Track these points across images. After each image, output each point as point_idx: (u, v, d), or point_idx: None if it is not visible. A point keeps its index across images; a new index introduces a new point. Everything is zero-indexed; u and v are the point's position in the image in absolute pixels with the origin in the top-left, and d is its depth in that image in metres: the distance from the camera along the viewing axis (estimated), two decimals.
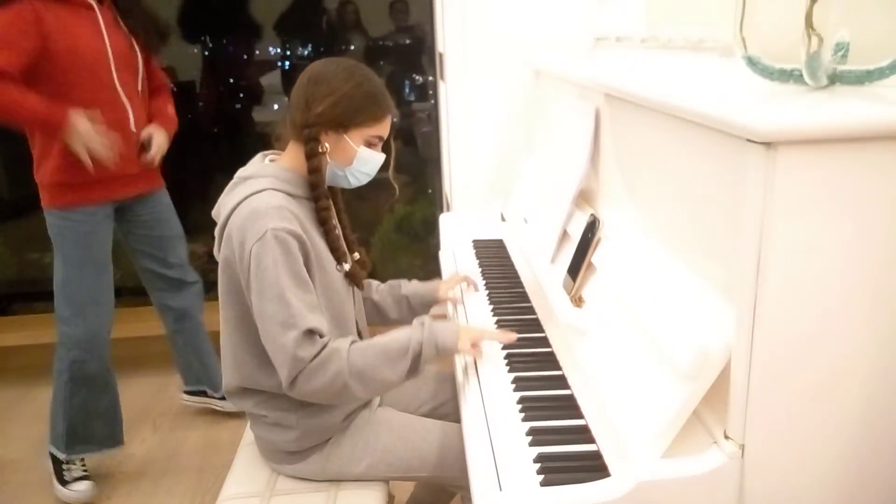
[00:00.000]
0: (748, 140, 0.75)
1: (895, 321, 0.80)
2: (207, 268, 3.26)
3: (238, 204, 1.24)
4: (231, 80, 3.53)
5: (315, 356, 1.19)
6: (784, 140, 0.73)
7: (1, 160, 3.22)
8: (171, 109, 2.16)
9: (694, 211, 0.94)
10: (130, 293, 3.03)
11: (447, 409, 1.53)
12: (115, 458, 2.26)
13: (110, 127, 1.87)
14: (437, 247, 2.15)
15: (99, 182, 1.92)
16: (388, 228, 3.15)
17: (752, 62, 0.98)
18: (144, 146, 2.02)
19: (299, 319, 1.18)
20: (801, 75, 0.91)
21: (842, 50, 0.96)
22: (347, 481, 1.36)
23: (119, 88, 1.92)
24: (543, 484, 0.94)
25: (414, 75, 3.42)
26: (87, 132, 1.80)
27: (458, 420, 1.26)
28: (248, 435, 1.50)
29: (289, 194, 1.27)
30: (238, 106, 3.55)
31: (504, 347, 1.32)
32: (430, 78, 3.27)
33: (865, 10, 0.95)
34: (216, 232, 1.30)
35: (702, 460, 0.85)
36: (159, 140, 2.04)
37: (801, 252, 0.77)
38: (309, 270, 1.25)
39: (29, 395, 2.71)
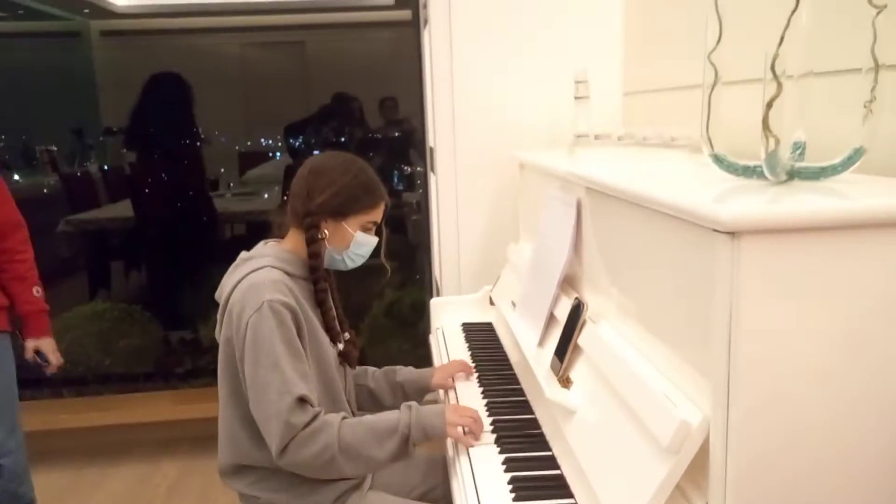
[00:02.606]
0: (714, 230, 0.83)
1: (861, 394, 0.86)
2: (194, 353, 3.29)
3: (239, 281, 1.31)
4: (222, 171, 3.66)
5: (307, 424, 1.23)
6: (747, 230, 0.80)
7: None
8: (34, 276, 1.94)
9: (670, 295, 1.01)
10: (117, 380, 3.04)
11: (438, 494, 1.54)
12: None
13: None
14: (426, 331, 2.20)
15: None
16: (378, 313, 3.20)
17: (718, 159, 1.07)
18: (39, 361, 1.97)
19: (293, 387, 1.23)
20: (763, 171, 1.00)
21: (799, 149, 1.06)
22: None
23: None
24: None
25: (403, 166, 3.57)
26: None
27: (449, 503, 1.28)
28: None
29: (286, 272, 1.35)
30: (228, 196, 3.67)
31: (494, 430, 1.35)
32: (419, 168, 3.41)
33: (817, 113, 1.05)
34: (219, 313, 1.36)
35: None
36: (50, 351, 1.97)
37: (768, 332, 0.83)
38: (302, 342, 1.30)
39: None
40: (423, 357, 1.89)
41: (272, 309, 1.26)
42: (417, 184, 3.44)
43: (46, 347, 1.97)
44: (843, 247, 0.83)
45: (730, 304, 0.83)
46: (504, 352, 1.77)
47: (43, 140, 3.78)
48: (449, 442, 1.35)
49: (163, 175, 3.48)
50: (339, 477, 1.33)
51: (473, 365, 1.69)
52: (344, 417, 1.28)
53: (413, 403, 1.33)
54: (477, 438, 1.32)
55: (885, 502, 0.89)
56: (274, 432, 1.23)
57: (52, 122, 3.66)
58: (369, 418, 1.30)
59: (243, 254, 1.43)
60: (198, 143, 3.50)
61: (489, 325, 1.98)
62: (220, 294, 1.38)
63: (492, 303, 2.04)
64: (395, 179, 3.58)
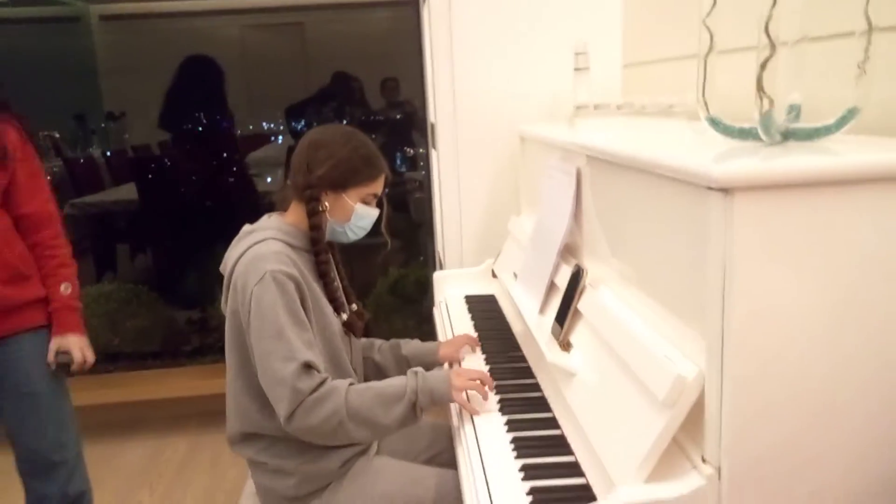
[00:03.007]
0: (708, 188, 0.85)
1: (851, 349, 0.88)
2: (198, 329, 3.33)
3: (242, 254, 1.34)
4: (226, 155, 3.67)
5: (314, 390, 1.25)
6: (739, 186, 0.82)
7: None
8: (65, 272, 1.76)
9: (667, 256, 1.03)
10: (127, 358, 3.09)
11: (444, 459, 1.57)
12: None
13: None
14: (430, 307, 2.23)
15: None
16: (383, 291, 3.23)
17: (713, 122, 1.09)
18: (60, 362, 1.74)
19: (298, 353, 1.25)
20: (758, 133, 1.02)
21: (794, 111, 1.07)
22: None
23: None
24: None
25: (405, 147, 3.59)
26: None
27: (454, 468, 1.31)
28: (249, 487, 1.54)
29: (289, 244, 1.37)
30: (232, 179, 3.68)
31: (497, 392, 1.38)
32: (421, 150, 3.43)
33: (811, 75, 1.06)
34: (224, 285, 1.38)
35: (681, 484, 0.91)
36: (76, 348, 1.74)
37: (761, 288, 0.85)
38: (306, 312, 1.33)
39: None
40: (427, 333, 1.92)
41: (275, 279, 1.28)
42: (420, 164, 3.46)
43: (71, 345, 1.75)
44: (836, 203, 0.85)
45: (723, 260, 0.85)
46: (506, 322, 1.80)
47: (45, 126, 3.80)
48: (453, 410, 1.37)
49: (189, 158, 3.47)
50: (348, 442, 1.36)
51: (477, 335, 1.72)
52: (351, 383, 1.31)
53: (419, 369, 1.36)
54: (485, 397, 1.35)
55: (878, 458, 0.92)
56: (281, 398, 1.26)
57: (54, 107, 3.67)
58: (376, 384, 1.33)
59: (246, 227, 1.45)
60: (211, 128, 3.50)
61: (492, 296, 2.00)
62: (224, 267, 1.41)
63: (494, 275, 2.07)
64: (399, 161, 3.60)
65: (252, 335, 1.29)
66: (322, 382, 1.27)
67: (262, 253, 1.32)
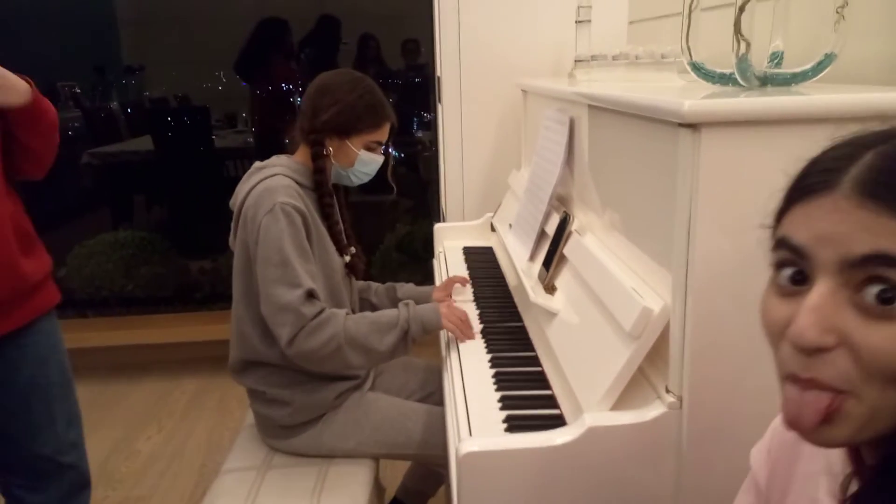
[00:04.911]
0: (679, 124, 0.88)
1: None
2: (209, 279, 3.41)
3: (253, 187, 1.38)
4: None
5: (316, 315, 1.31)
6: (706, 121, 0.85)
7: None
8: None
9: (644, 197, 1.06)
10: (140, 303, 3.18)
11: (435, 399, 1.63)
12: (120, 455, 2.36)
13: None
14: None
15: None
16: (390, 247, 3.28)
17: (696, 67, 1.11)
18: None
19: (302, 281, 1.31)
20: (737, 79, 1.04)
21: (777, 58, 1.09)
22: (338, 457, 1.46)
23: None
24: (508, 431, 1.05)
25: (420, 110, 3.60)
26: None
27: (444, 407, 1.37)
28: (249, 417, 1.61)
29: (297, 182, 1.41)
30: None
31: (484, 333, 1.43)
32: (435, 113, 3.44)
33: (792, 21, 1.08)
34: (233, 220, 1.44)
35: (643, 411, 0.96)
36: None
37: (724, 223, 0.88)
38: (310, 246, 1.38)
39: None
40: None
41: (283, 211, 1.33)
42: (432, 125, 3.48)
43: None
44: (802, 141, 0.87)
45: (690, 195, 0.88)
46: (501, 272, 1.84)
47: (64, 77, 3.85)
48: (442, 342, 1.43)
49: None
50: (344, 367, 1.41)
51: (471, 282, 1.76)
52: (348, 313, 1.37)
53: (410, 301, 1.42)
54: (469, 336, 1.41)
55: None
56: (285, 323, 1.30)
57: (74, 59, 3.72)
58: (371, 314, 1.39)
59: (257, 163, 1.49)
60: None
61: (489, 248, 2.04)
62: (234, 201, 1.45)
63: (493, 229, 2.10)
64: (416, 125, 3.61)
65: (258, 263, 1.34)
66: (322, 310, 1.33)
67: (272, 186, 1.37)
